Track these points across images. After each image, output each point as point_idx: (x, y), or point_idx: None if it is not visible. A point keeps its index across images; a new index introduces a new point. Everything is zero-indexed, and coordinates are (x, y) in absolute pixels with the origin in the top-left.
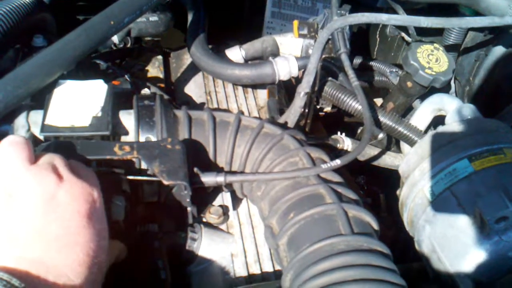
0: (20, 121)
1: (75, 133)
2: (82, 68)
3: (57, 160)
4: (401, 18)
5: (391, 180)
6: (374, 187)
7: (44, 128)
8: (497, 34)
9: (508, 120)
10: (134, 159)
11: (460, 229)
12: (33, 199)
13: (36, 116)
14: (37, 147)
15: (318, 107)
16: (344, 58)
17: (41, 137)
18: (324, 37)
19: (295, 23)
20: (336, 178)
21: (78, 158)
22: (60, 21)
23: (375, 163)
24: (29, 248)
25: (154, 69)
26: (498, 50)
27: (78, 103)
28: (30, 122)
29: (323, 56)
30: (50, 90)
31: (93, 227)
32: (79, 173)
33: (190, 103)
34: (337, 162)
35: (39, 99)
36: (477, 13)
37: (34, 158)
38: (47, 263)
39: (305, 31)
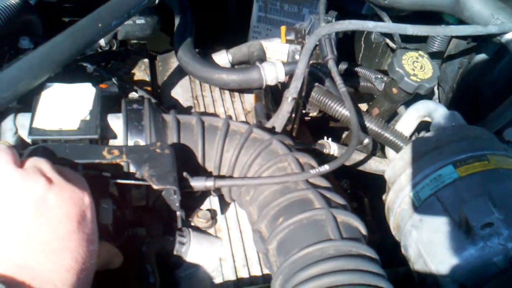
0: (7, 124)
1: (63, 136)
2: (68, 71)
3: (44, 164)
4: (388, 25)
5: (375, 184)
6: (359, 191)
7: (31, 131)
8: (480, 42)
9: (490, 126)
10: (122, 163)
11: (446, 234)
12: (22, 202)
13: (23, 119)
14: (25, 150)
15: (304, 112)
16: (332, 64)
17: (29, 140)
18: (312, 43)
19: (283, 28)
20: (324, 183)
21: (65, 162)
22: (46, 23)
23: (361, 168)
24: (17, 252)
25: (140, 72)
26: (481, 58)
27: (66, 106)
28: (17, 125)
29: (310, 62)
30: (38, 93)
31: (83, 232)
32: (67, 177)
33: (177, 107)
34: (326, 167)
35: (26, 102)
36: (460, 22)
37: (20, 163)
38: (34, 268)
39: (292, 37)
